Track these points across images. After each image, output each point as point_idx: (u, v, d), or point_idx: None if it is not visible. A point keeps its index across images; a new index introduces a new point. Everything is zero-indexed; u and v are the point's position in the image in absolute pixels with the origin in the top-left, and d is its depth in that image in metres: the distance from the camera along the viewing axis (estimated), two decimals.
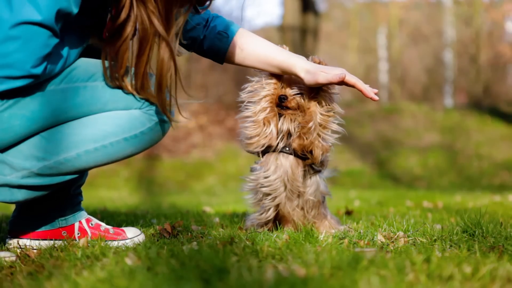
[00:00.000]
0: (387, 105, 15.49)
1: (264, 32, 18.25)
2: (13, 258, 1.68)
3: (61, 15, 1.52)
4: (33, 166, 1.63)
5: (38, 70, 1.52)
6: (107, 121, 1.68)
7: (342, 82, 1.97)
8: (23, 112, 1.59)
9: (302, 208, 2.10)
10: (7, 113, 1.57)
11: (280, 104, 2.04)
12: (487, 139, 12.65)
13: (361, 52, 21.56)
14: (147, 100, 1.72)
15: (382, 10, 21.27)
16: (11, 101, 1.57)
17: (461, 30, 19.71)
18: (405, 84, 20.35)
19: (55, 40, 1.54)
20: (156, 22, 1.62)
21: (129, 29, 1.63)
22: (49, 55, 1.54)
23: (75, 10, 1.56)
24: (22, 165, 1.63)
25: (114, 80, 1.68)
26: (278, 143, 2.06)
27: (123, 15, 1.61)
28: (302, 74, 1.97)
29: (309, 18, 13.70)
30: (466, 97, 18.57)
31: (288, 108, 2.04)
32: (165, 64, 1.66)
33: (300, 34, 13.29)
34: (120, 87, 1.70)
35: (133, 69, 1.69)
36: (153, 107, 1.73)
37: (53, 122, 1.65)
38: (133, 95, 1.71)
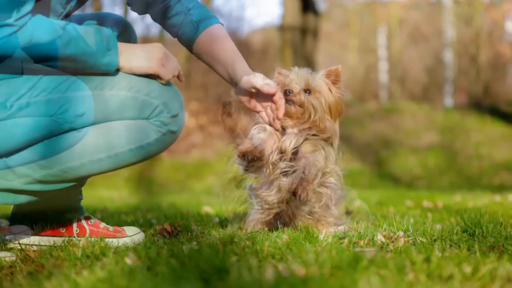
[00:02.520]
0: (387, 105, 15.48)
1: (264, 32, 18.21)
2: (13, 258, 1.68)
3: None
4: (36, 173, 1.62)
5: None
6: (113, 132, 1.64)
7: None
8: (26, 120, 1.58)
9: (307, 212, 2.10)
10: (10, 121, 1.56)
11: (286, 96, 1.97)
12: (487, 139, 12.65)
13: (361, 52, 21.54)
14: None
15: (382, 10, 21.25)
16: (14, 109, 1.56)
17: (461, 30, 19.70)
18: (405, 84, 20.33)
19: None
20: None
21: None
22: None
23: None
24: (25, 172, 1.61)
25: None
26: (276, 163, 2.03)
27: None
28: (238, 73, 1.87)
29: (309, 18, 13.68)
30: (466, 97, 18.55)
31: (293, 102, 1.99)
32: None
33: (300, 34, 13.26)
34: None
35: None
36: (161, 118, 1.67)
37: (57, 131, 1.61)
38: (142, 104, 1.65)
